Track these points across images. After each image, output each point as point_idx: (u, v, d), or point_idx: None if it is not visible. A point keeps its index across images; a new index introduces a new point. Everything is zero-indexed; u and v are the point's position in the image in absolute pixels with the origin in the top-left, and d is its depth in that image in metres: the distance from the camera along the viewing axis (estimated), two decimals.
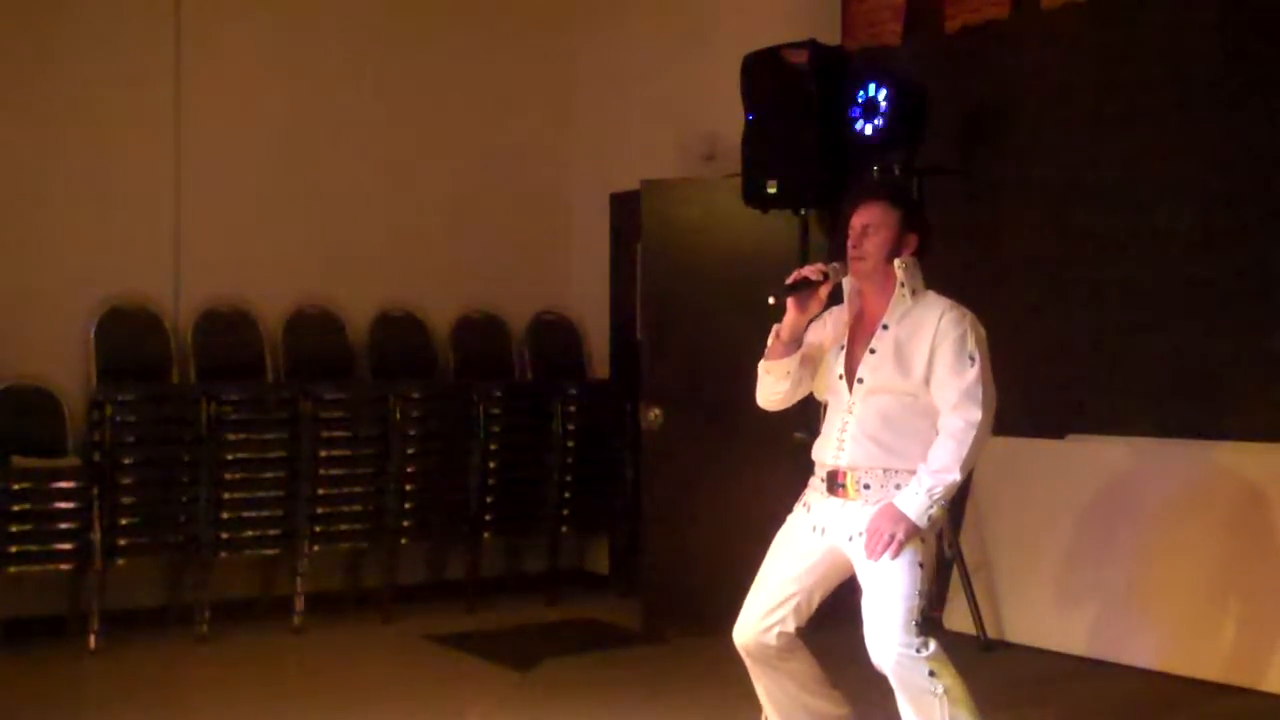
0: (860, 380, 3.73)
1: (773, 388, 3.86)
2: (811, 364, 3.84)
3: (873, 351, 3.73)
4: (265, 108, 6.84)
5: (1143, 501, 5.38)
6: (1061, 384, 5.72)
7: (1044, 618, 5.66)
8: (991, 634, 5.71)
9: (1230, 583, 5.10)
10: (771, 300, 3.72)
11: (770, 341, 3.83)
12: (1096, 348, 5.67)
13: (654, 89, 7.24)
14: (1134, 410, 5.52)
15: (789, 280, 3.74)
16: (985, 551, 5.87)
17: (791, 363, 3.79)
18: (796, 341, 3.79)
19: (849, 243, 3.78)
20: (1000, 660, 5.55)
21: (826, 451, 3.79)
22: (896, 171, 5.81)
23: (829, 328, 3.87)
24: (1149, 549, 5.33)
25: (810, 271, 3.74)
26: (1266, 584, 4.97)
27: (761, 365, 3.86)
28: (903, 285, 3.75)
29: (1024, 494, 5.71)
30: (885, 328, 3.74)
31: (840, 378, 3.79)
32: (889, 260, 3.76)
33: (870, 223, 3.76)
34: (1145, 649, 5.29)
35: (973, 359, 3.66)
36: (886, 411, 3.70)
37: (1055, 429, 5.72)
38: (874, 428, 3.70)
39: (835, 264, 3.78)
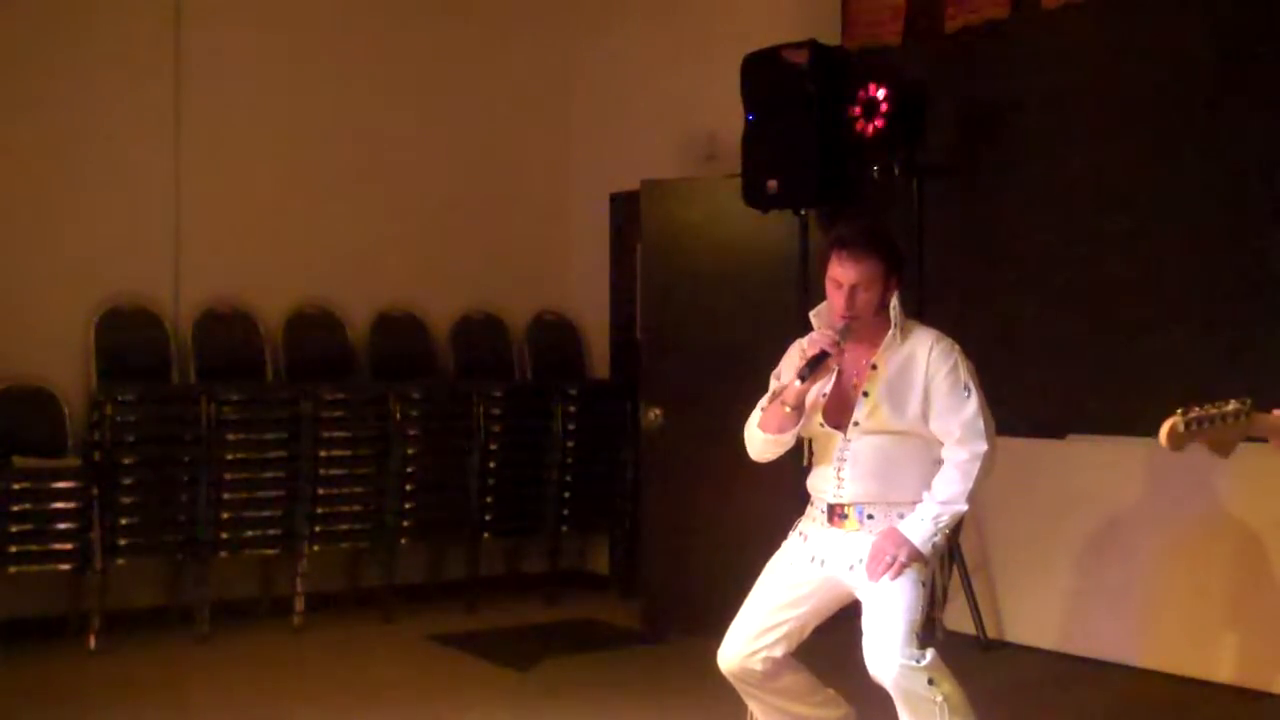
0: (855, 423, 3.72)
1: (771, 449, 3.84)
2: (805, 418, 3.82)
3: (865, 394, 3.72)
4: (265, 108, 6.84)
5: (1143, 501, 5.38)
6: (1061, 384, 5.71)
7: (1044, 618, 5.66)
8: (991, 634, 5.72)
9: (1230, 583, 5.10)
10: (799, 382, 3.65)
11: (766, 405, 3.81)
12: (1096, 348, 5.66)
13: (654, 89, 7.24)
14: (1134, 410, 5.50)
15: (808, 356, 3.65)
16: (985, 551, 5.87)
17: (798, 429, 3.76)
18: (801, 408, 3.74)
19: (841, 303, 3.71)
20: (1000, 660, 5.55)
21: (825, 488, 3.78)
22: (896, 172, 5.81)
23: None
24: (1149, 549, 5.33)
25: (826, 344, 3.65)
26: (1267, 585, 4.97)
27: (764, 435, 3.81)
28: (895, 326, 3.74)
29: (1024, 494, 5.71)
30: (874, 368, 3.73)
31: (821, 424, 3.78)
32: (877, 313, 3.74)
33: (860, 282, 3.70)
34: (1145, 649, 5.29)
35: (968, 389, 3.67)
36: (883, 450, 3.70)
37: (1055, 429, 5.71)
38: (873, 467, 3.70)
39: (841, 326, 3.71)
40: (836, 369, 3.76)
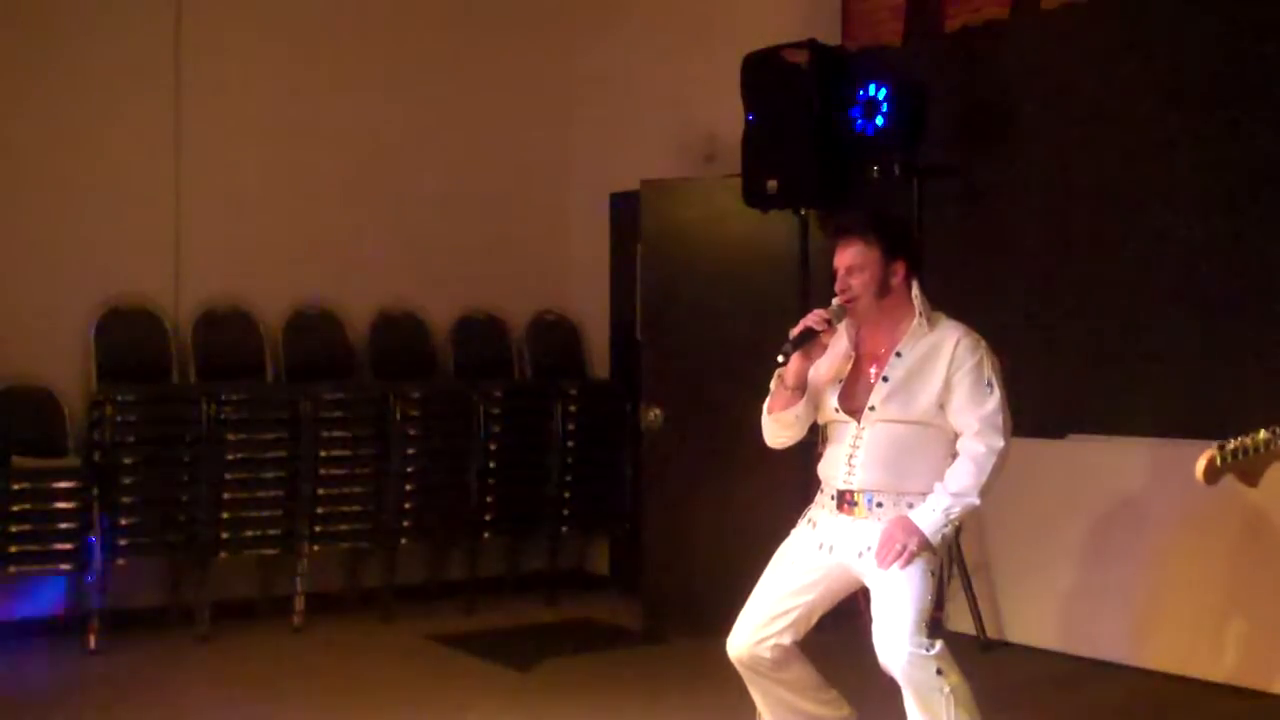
0: (871, 408, 3.73)
1: (781, 433, 3.88)
2: (813, 398, 3.84)
3: (886, 380, 3.73)
4: (265, 108, 6.84)
5: (1143, 501, 5.38)
6: (1061, 384, 5.72)
7: (1044, 618, 5.66)
8: (991, 634, 5.72)
9: (1230, 583, 5.10)
10: (781, 358, 3.72)
11: (774, 387, 3.84)
12: (1096, 348, 5.67)
13: (654, 89, 7.25)
14: (1134, 410, 5.52)
15: (794, 333, 3.72)
16: (985, 551, 5.87)
17: (799, 408, 3.80)
18: (801, 388, 3.78)
19: (836, 285, 3.78)
20: (1000, 660, 5.55)
21: (835, 474, 3.78)
22: (896, 171, 5.81)
23: (823, 359, 3.86)
24: (1149, 549, 5.33)
25: (814, 321, 3.72)
26: (1267, 584, 4.97)
27: (768, 415, 3.86)
28: (920, 314, 3.76)
29: (1024, 494, 5.69)
30: (899, 355, 3.74)
31: (836, 410, 3.79)
32: (880, 295, 3.76)
33: (852, 264, 3.76)
34: (1145, 649, 5.29)
35: (991, 386, 3.68)
36: (897, 438, 3.71)
37: (1055, 429, 5.71)
38: (885, 454, 3.71)
39: (834, 306, 3.76)
40: (826, 348, 3.80)
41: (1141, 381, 5.51)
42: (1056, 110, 5.81)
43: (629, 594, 6.71)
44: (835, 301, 3.79)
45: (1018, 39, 5.93)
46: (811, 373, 3.82)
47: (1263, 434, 2.92)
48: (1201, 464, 2.90)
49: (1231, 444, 2.90)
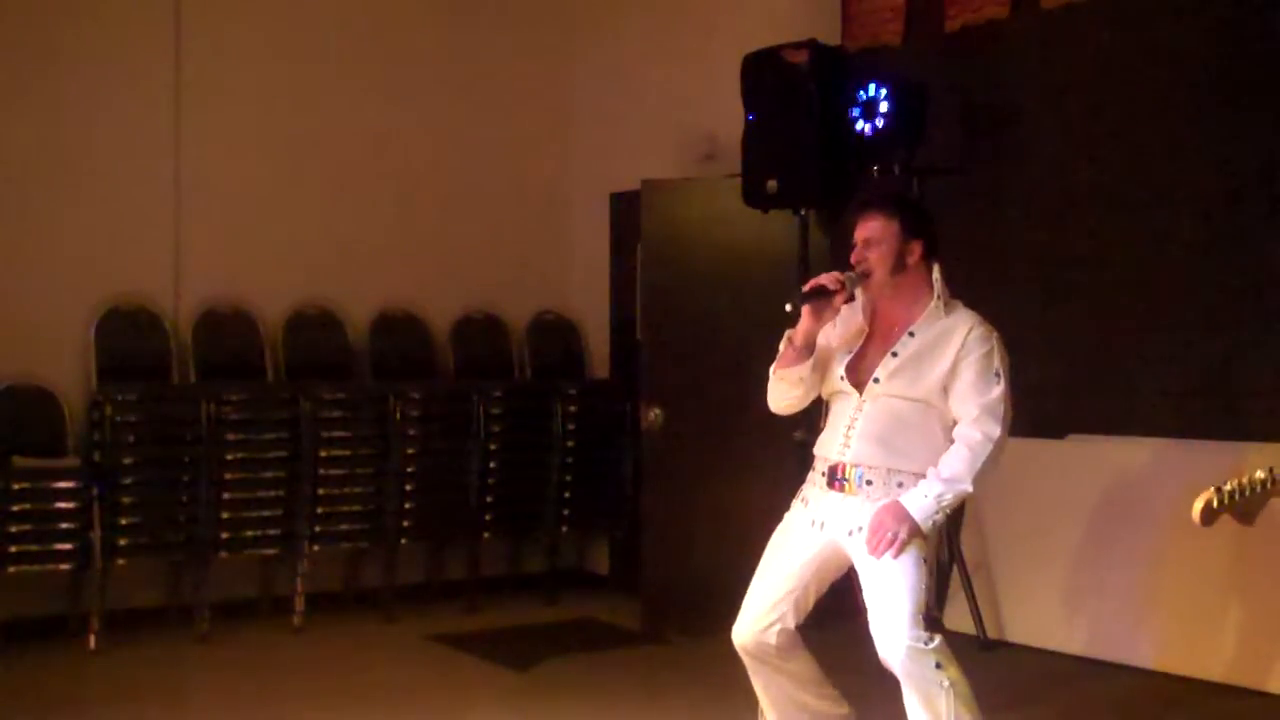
0: (876, 380, 3.73)
1: (786, 394, 3.88)
2: (821, 367, 3.85)
3: (894, 355, 3.74)
4: (265, 108, 6.84)
5: (1143, 501, 5.37)
6: (1061, 384, 5.72)
7: (1044, 618, 5.66)
8: (991, 634, 5.72)
9: (1231, 583, 5.10)
10: (789, 307, 3.73)
11: (782, 348, 3.84)
12: (1096, 348, 5.67)
13: (654, 89, 7.24)
14: (1134, 410, 5.52)
15: (806, 288, 3.74)
16: (985, 551, 5.87)
17: (804, 369, 3.80)
18: (809, 348, 3.79)
19: (852, 258, 3.80)
20: (1000, 660, 5.55)
21: (831, 447, 3.79)
22: (896, 171, 5.81)
23: (835, 330, 3.87)
24: (1149, 549, 5.33)
25: (827, 280, 3.74)
26: (1266, 584, 4.97)
27: (774, 373, 3.87)
28: (939, 297, 3.77)
29: (1024, 494, 5.71)
30: (912, 334, 3.75)
31: (842, 378, 3.79)
32: (895, 271, 3.77)
33: (870, 237, 3.79)
34: (1145, 649, 5.29)
35: (998, 376, 3.69)
36: (896, 414, 3.71)
37: (1055, 429, 5.71)
38: (882, 428, 3.71)
39: (850, 273, 3.78)
40: (838, 311, 3.79)
41: (1141, 381, 5.51)
42: (1056, 110, 5.81)
43: (629, 594, 6.70)
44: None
45: (1018, 39, 5.93)
46: (822, 339, 3.82)
47: (1259, 474, 2.95)
48: (1198, 506, 2.94)
49: (1228, 485, 2.94)
